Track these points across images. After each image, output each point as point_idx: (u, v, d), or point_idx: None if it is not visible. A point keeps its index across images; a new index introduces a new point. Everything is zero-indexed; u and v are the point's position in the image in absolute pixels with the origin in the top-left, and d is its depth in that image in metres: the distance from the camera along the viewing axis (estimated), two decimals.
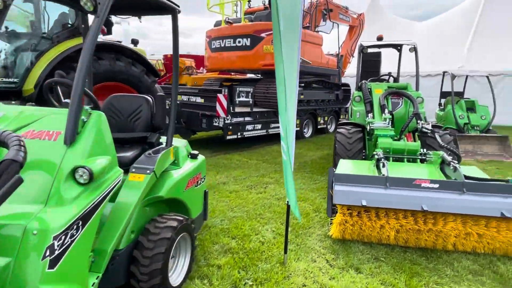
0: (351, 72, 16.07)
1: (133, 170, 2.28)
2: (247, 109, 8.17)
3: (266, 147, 8.70)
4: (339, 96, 11.61)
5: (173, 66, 2.88)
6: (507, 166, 6.81)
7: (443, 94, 9.66)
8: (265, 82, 9.12)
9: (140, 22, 5.75)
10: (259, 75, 10.98)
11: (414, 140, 5.37)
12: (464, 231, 3.05)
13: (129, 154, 2.45)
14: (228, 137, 7.64)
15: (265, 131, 8.69)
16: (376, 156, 3.97)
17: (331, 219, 3.40)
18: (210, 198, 4.25)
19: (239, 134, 7.89)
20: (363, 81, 5.78)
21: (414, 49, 5.88)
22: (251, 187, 5.16)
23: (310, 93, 10.37)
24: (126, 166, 2.30)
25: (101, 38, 5.81)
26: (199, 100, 7.94)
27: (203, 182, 3.15)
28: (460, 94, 9.71)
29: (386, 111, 5.03)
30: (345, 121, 5.85)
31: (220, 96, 7.30)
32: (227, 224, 3.75)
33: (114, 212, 2.06)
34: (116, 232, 1.98)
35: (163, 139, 2.80)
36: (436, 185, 3.25)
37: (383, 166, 3.59)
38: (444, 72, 9.54)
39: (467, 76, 9.86)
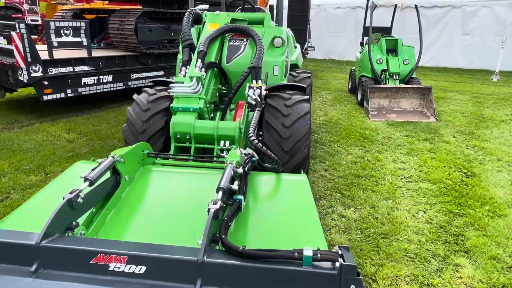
0: None
1: None
2: (82, 54, 5.68)
3: (124, 107, 6.43)
4: None
5: None
6: (422, 130, 5.10)
7: (367, 31, 7.52)
8: (120, 14, 6.48)
9: None
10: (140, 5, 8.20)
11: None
12: None
13: None
14: (47, 97, 5.26)
15: (122, 84, 6.32)
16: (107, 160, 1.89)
17: None
18: None
19: (68, 91, 5.50)
20: (192, 9, 3.48)
21: None
22: None
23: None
24: None
25: None
26: (2, 41, 5.34)
27: None
28: (386, 31, 7.67)
29: (199, 62, 2.88)
30: (165, 79, 3.70)
31: (15, 35, 4.75)
32: None
33: None
34: None
35: None
36: (141, 269, 1.31)
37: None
38: (367, 0, 7.31)
39: (395, 6, 7.74)
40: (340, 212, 2.90)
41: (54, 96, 5.34)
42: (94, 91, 5.89)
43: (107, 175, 1.96)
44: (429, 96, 5.99)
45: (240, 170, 1.86)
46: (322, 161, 4.00)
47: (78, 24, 5.46)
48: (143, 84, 6.67)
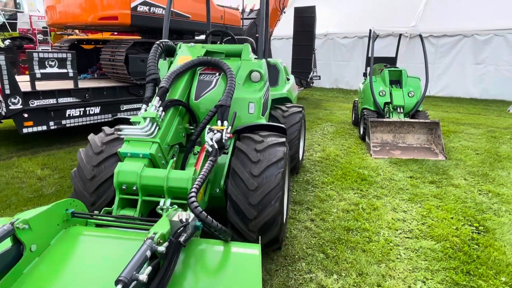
0: (284, 33, 13.34)
1: None
2: (68, 85, 5.49)
3: None
4: None
5: None
6: (428, 170, 4.58)
7: (369, 61, 7.16)
8: (112, 45, 6.34)
9: None
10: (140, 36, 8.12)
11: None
12: None
13: None
14: (27, 130, 5.03)
15: (110, 115, 6.07)
16: None
17: None
18: None
19: (51, 123, 5.27)
20: (162, 41, 3.18)
21: None
22: None
23: None
24: None
25: None
26: None
27: None
28: (391, 61, 7.30)
29: (157, 100, 2.54)
30: (126, 116, 3.37)
31: None
32: None
33: None
34: None
35: None
36: None
37: None
38: (370, 30, 7.00)
39: (400, 36, 7.40)
40: (319, 281, 2.40)
41: (35, 129, 5.10)
42: (80, 123, 5.65)
43: (8, 243, 1.58)
44: (437, 132, 5.49)
45: (162, 248, 1.43)
46: (310, 208, 3.52)
47: (64, 55, 5.30)
48: (132, 115, 6.41)
